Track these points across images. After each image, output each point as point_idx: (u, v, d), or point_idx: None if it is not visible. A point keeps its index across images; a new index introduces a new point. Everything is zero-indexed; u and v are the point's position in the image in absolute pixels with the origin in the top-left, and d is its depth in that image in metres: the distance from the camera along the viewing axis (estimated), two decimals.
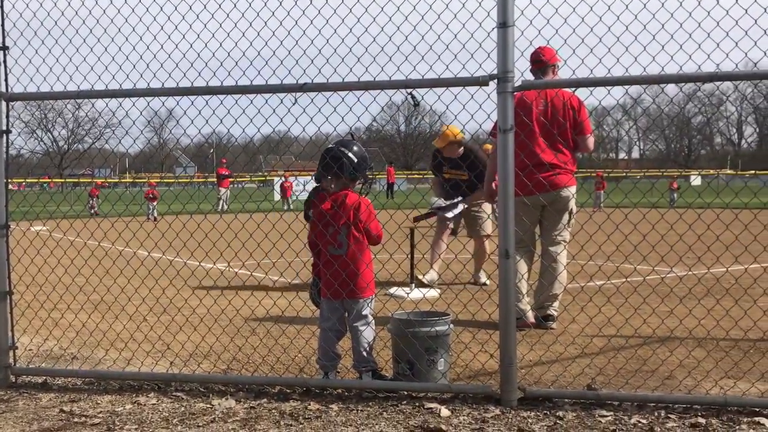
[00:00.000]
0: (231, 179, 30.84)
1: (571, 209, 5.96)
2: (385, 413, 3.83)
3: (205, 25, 4.28)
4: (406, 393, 4.12)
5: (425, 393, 4.11)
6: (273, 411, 3.90)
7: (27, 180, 44.82)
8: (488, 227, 8.50)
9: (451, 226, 8.58)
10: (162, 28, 4.32)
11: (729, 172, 54.13)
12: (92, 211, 26.46)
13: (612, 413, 3.74)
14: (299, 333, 5.65)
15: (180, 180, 49.43)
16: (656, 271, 7.95)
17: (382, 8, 3.95)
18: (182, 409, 3.97)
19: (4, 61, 4.47)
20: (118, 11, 4.39)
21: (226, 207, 27.04)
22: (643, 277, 7.66)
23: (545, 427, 3.57)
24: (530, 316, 5.86)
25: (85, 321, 5.88)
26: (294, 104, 4.26)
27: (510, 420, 3.68)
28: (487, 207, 8.44)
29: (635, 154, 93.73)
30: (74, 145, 77.86)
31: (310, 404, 3.97)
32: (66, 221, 8.85)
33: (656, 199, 21.94)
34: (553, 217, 5.95)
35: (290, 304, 5.90)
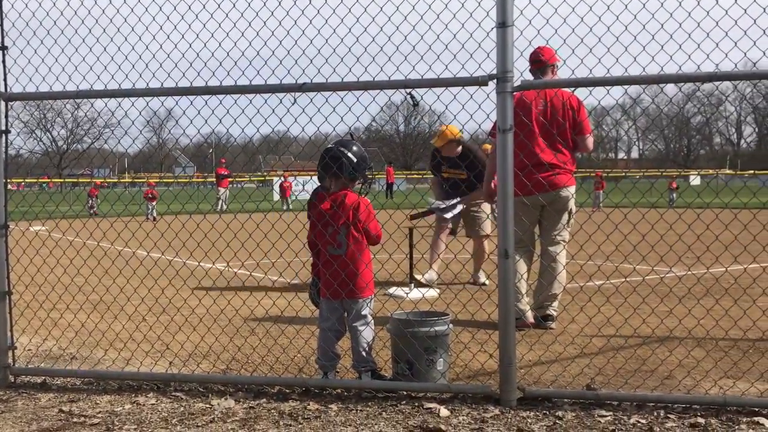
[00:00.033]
0: (230, 179, 30.82)
1: (571, 209, 5.96)
2: (384, 413, 3.83)
3: (204, 25, 4.27)
4: (405, 393, 4.12)
5: (424, 393, 4.11)
6: (272, 411, 3.90)
7: (26, 180, 44.82)
8: (487, 227, 8.50)
9: (450, 226, 8.58)
10: (161, 28, 4.32)
11: (728, 171, 54.17)
12: (91, 211, 26.42)
13: (611, 413, 3.74)
14: (298, 333, 5.65)
15: (179, 180, 49.48)
16: (655, 271, 7.94)
17: (381, 8, 3.95)
18: (181, 409, 3.97)
19: (3, 61, 4.47)
20: (117, 11, 4.39)
21: (225, 207, 27.02)
22: (642, 277, 7.66)
23: (544, 427, 3.57)
24: (529, 316, 5.86)
25: (84, 321, 5.87)
26: (293, 104, 4.26)
27: (509, 420, 3.68)
28: (487, 207, 8.44)
29: (634, 154, 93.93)
30: (73, 145, 77.93)
31: (309, 404, 3.97)
32: (65, 221, 8.84)
33: (655, 199, 21.87)
34: (552, 217, 5.96)
35: (289, 304, 5.90)
